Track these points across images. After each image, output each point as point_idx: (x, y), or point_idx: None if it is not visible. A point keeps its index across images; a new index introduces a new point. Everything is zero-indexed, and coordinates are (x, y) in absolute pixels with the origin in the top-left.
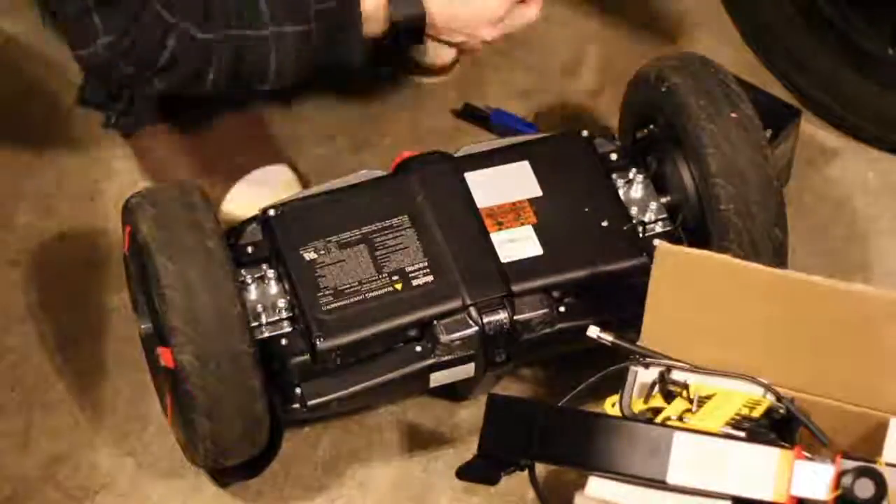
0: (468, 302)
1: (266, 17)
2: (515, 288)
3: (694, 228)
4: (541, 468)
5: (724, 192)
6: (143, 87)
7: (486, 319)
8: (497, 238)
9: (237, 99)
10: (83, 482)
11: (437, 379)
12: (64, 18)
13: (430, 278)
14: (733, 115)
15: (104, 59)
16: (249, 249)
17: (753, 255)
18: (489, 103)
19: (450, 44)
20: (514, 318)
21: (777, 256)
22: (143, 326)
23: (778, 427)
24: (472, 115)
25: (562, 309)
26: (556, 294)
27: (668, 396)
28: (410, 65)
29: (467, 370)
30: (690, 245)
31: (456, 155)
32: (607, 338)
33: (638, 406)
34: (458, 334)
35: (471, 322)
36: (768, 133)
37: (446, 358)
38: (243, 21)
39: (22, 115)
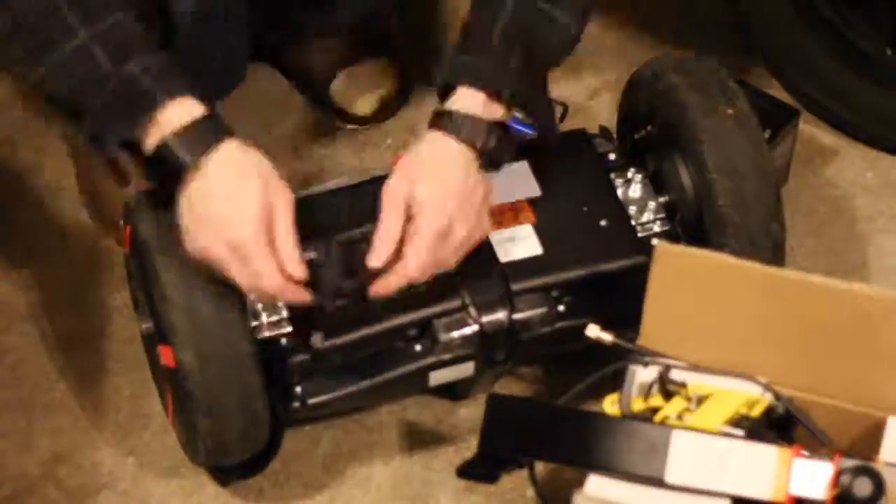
0: (467, 301)
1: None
2: (514, 287)
3: (692, 227)
4: (540, 467)
5: (721, 188)
6: None
7: (485, 318)
8: (496, 237)
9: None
10: (84, 481)
11: (437, 378)
12: None
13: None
14: (729, 110)
15: None
16: None
17: (752, 251)
18: None
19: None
20: (514, 317)
21: (775, 253)
22: (143, 326)
23: (776, 426)
24: None
25: (561, 308)
26: (555, 293)
27: (667, 395)
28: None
29: (467, 369)
30: (688, 244)
31: None
32: (607, 337)
33: (637, 405)
34: (457, 333)
35: (470, 321)
36: (767, 133)
37: (446, 357)
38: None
39: (22, 115)
